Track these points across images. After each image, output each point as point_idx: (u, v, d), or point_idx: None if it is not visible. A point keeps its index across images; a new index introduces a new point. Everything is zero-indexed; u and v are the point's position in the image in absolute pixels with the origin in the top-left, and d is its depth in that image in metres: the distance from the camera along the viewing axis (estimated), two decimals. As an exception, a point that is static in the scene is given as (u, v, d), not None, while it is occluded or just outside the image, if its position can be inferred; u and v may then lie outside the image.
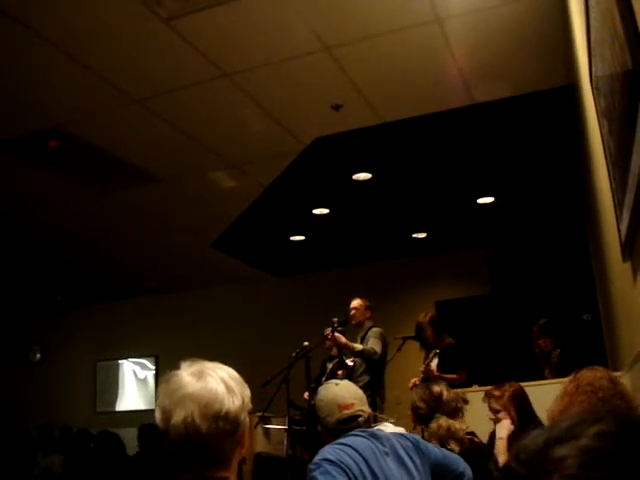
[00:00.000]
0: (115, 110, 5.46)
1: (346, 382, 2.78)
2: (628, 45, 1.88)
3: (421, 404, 3.24)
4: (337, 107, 5.56)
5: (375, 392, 5.86)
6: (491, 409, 3.78)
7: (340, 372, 5.95)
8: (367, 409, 2.60)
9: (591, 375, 2.89)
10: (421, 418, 3.27)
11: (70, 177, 6.74)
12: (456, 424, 3.12)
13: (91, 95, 5.23)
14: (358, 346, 6.01)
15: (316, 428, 2.65)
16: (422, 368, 5.89)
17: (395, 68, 5.07)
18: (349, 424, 2.53)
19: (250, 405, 1.68)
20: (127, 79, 5.08)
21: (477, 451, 3.19)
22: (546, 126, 6.05)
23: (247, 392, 1.68)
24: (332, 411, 2.56)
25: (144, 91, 5.23)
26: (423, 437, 3.29)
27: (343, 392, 2.61)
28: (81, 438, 7.80)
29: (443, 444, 3.01)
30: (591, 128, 3.74)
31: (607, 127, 2.81)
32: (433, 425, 3.12)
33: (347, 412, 2.54)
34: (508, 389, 3.76)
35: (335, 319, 5.98)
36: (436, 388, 3.26)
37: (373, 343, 6.04)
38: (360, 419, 2.55)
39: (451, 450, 2.96)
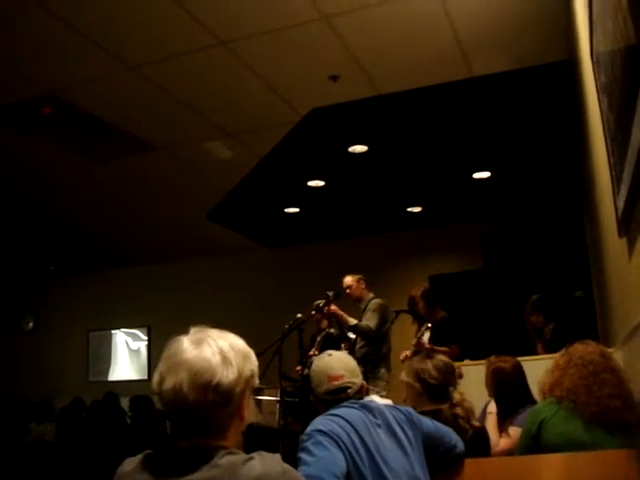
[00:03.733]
0: (110, 77, 5.39)
1: (340, 353, 2.78)
2: (632, 18, 1.85)
3: (435, 374, 3.13)
4: (334, 78, 5.51)
5: (377, 363, 5.87)
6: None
7: (343, 345, 5.96)
8: (358, 381, 2.60)
9: (583, 349, 2.90)
10: (431, 389, 3.14)
11: (64, 145, 6.69)
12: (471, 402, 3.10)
13: (85, 61, 5.16)
14: (352, 320, 6.00)
15: (309, 398, 2.66)
16: (414, 342, 5.90)
17: (393, 39, 5.01)
18: (337, 395, 2.53)
19: (256, 380, 1.66)
20: (122, 45, 5.01)
21: (484, 430, 3.18)
22: (544, 101, 6.01)
23: (250, 366, 1.65)
24: (321, 381, 2.57)
25: (139, 58, 5.16)
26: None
27: (334, 363, 2.61)
28: (74, 407, 7.83)
29: (469, 417, 3.00)
30: (590, 103, 3.71)
31: (607, 102, 2.78)
32: (457, 396, 3.07)
33: (336, 383, 2.54)
34: (489, 365, 3.79)
35: (330, 293, 5.97)
36: (446, 359, 3.20)
37: (369, 318, 6.02)
38: (349, 391, 2.55)
39: (472, 426, 2.96)
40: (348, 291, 6.30)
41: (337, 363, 2.61)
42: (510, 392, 3.68)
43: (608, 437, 2.61)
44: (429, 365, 3.18)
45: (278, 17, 4.70)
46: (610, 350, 3.47)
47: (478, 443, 2.85)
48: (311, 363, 2.76)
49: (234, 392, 1.58)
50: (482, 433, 3.08)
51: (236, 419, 1.63)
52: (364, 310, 6.22)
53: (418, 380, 3.18)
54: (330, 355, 2.67)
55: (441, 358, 3.23)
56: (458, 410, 3.01)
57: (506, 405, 3.68)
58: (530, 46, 5.11)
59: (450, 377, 3.15)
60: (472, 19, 4.76)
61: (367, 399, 2.64)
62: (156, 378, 1.60)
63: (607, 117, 2.84)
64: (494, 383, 3.74)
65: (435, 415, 2.85)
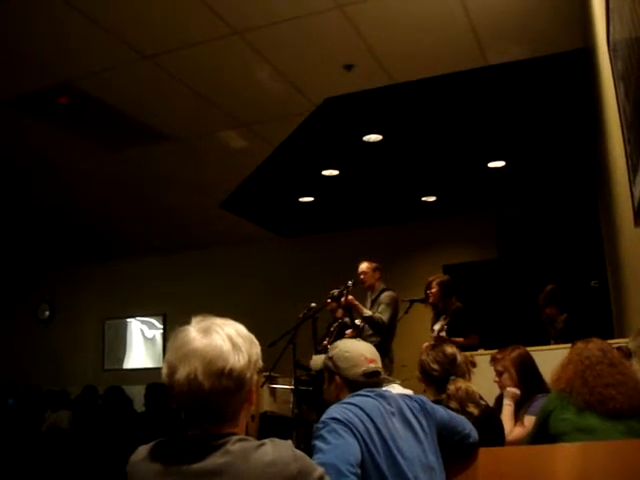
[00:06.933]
0: (125, 66, 5.41)
1: (362, 341, 2.80)
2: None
3: (435, 366, 3.17)
4: (349, 67, 5.50)
5: (384, 353, 5.88)
6: (495, 372, 3.83)
7: (348, 332, 5.95)
8: (382, 369, 2.63)
9: (582, 346, 3.10)
10: (435, 381, 3.19)
11: (79, 135, 6.72)
12: (473, 387, 3.10)
13: (101, 51, 5.19)
14: (367, 312, 5.99)
15: (334, 379, 2.63)
16: (434, 334, 5.91)
17: (408, 27, 5.00)
18: (372, 378, 2.55)
19: (260, 363, 1.68)
20: (137, 35, 5.03)
21: (492, 415, 3.18)
22: (559, 89, 5.97)
23: (255, 350, 1.67)
24: (359, 362, 2.56)
25: (154, 47, 5.18)
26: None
27: (367, 347, 2.65)
28: (89, 395, 7.87)
29: (462, 407, 2.99)
30: (606, 91, 3.69)
31: (623, 90, 2.77)
32: (451, 387, 3.08)
33: (373, 365, 2.56)
34: (510, 352, 3.81)
35: (350, 282, 5.95)
36: (449, 349, 3.22)
37: (383, 310, 6.01)
38: (380, 376, 2.57)
39: (470, 413, 2.96)
40: (362, 277, 6.30)
41: (369, 348, 2.64)
42: (530, 377, 3.72)
43: (601, 422, 2.72)
44: (430, 357, 3.22)
45: (293, 6, 4.69)
46: (625, 340, 3.47)
47: (482, 429, 2.83)
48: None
49: (246, 376, 1.61)
50: (486, 417, 3.07)
51: (246, 404, 1.66)
52: (374, 300, 6.21)
53: (421, 372, 3.24)
54: (359, 340, 2.71)
55: (443, 349, 3.25)
56: (452, 404, 3.01)
57: (525, 390, 3.70)
58: (545, 34, 5.08)
59: (450, 368, 3.16)
60: (487, 7, 4.73)
61: (388, 387, 2.65)
62: (166, 369, 1.61)
63: (623, 105, 2.82)
64: (519, 366, 3.74)
65: None
